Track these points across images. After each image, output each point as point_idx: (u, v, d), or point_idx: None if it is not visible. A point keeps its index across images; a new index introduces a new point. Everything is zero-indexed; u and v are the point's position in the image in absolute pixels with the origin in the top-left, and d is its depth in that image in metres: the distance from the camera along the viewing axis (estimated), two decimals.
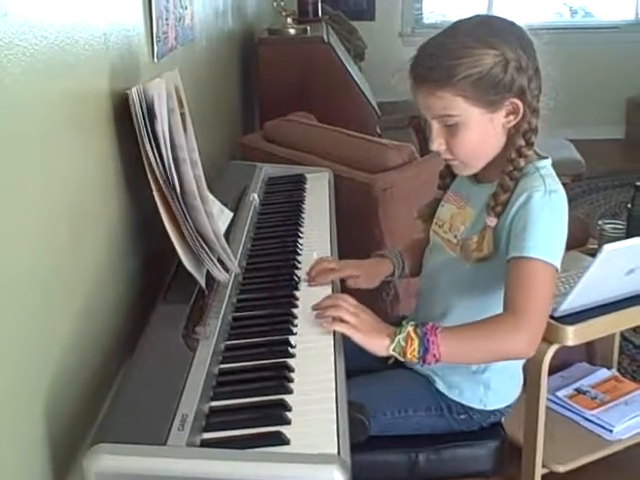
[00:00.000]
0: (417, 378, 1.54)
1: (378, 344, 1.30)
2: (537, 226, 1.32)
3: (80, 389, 1.21)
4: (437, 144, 1.40)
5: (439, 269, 1.53)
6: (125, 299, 1.46)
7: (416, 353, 1.28)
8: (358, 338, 1.29)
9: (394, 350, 1.29)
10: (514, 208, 1.36)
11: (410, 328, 1.30)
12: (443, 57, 1.33)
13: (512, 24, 1.39)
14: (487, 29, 1.36)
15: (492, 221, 1.38)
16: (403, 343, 1.29)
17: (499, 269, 1.36)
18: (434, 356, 1.28)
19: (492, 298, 1.40)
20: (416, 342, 1.28)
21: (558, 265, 1.33)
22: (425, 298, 1.58)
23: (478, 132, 1.37)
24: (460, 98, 1.33)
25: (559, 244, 1.35)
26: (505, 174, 1.38)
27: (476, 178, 1.50)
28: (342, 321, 1.30)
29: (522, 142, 1.37)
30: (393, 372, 1.57)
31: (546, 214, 1.33)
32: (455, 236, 1.48)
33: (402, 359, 1.31)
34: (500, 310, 1.34)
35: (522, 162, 1.37)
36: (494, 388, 1.51)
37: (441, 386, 1.52)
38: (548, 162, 1.42)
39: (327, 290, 1.49)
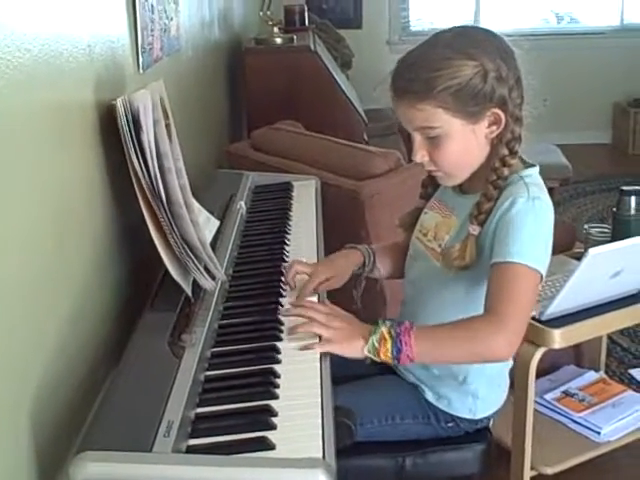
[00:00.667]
0: (405, 386, 1.55)
1: (354, 348, 1.30)
2: (521, 231, 1.32)
3: (66, 396, 1.21)
4: (420, 156, 1.40)
5: (423, 278, 1.53)
6: (111, 307, 1.46)
7: (389, 354, 1.28)
8: (333, 349, 1.29)
9: (368, 351, 1.29)
10: (497, 214, 1.36)
11: (384, 329, 1.29)
12: (422, 69, 1.34)
13: (492, 34, 1.39)
14: (466, 40, 1.36)
15: (475, 229, 1.38)
16: (377, 344, 1.29)
17: (483, 277, 1.37)
18: (407, 357, 1.28)
19: (476, 306, 1.39)
20: (389, 343, 1.28)
21: (543, 271, 1.33)
22: (409, 306, 1.58)
23: (461, 143, 1.37)
24: (441, 110, 1.33)
25: (543, 250, 1.34)
26: (489, 183, 1.38)
27: (461, 189, 1.50)
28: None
29: (505, 151, 1.37)
30: (381, 379, 1.58)
31: (530, 220, 1.33)
32: (439, 245, 1.48)
33: (377, 359, 1.31)
34: None
35: (506, 171, 1.37)
36: (482, 397, 1.52)
37: (430, 396, 1.52)
38: (534, 170, 1.42)
39: (313, 297, 1.50)
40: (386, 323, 1.31)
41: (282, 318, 1.39)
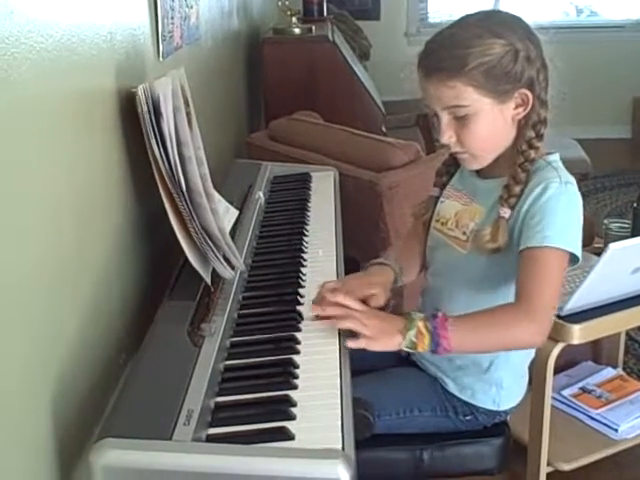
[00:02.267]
0: (424, 378, 1.54)
1: (390, 343, 1.30)
2: (555, 216, 1.32)
3: (86, 385, 1.22)
4: (447, 136, 1.39)
5: (446, 267, 1.52)
6: (131, 296, 1.47)
7: (427, 347, 1.29)
8: (373, 347, 1.29)
9: (406, 347, 1.30)
10: (529, 200, 1.35)
11: (420, 323, 1.29)
12: (454, 47, 1.34)
13: (518, 18, 1.40)
14: (495, 20, 1.37)
15: (505, 212, 1.38)
16: (414, 339, 1.29)
17: (511, 262, 1.36)
18: (445, 349, 1.29)
19: (504, 294, 1.40)
20: (427, 338, 1.29)
21: (579, 253, 1.33)
22: (432, 296, 1.56)
23: (488, 123, 1.37)
24: (471, 88, 1.33)
25: (577, 233, 1.35)
26: (517, 165, 1.38)
27: (479, 174, 1.49)
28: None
29: (532, 134, 1.37)
30: (400, 371, 1.57)
31: (563, 204, 1.33)
32: (464, 232, 1.47)
33: (414, 352, 1.33)
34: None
35: (533, 153, 1.37)
36: (506, 387, 1.51)
37: (452, 387, 1.51)
38: (557, 156, 1.42)
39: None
40: (420, 316, 1.31)
41: (301, 309, 1.39)
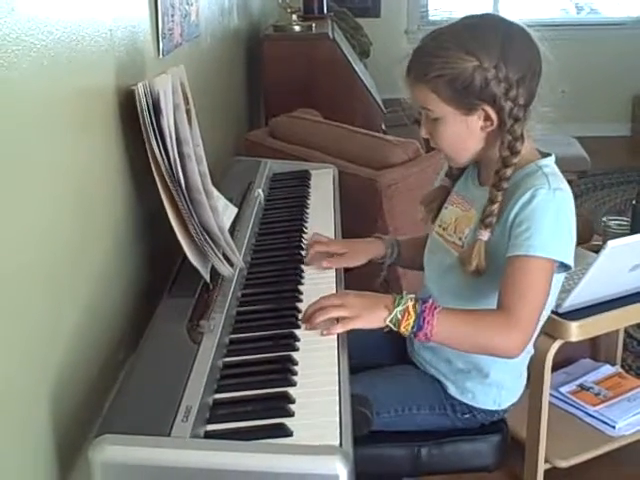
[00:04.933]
0: (423, 376, 1.55)
1: (374, 318, 1.31)
2: (542, 224, 1.30)
3: (85, 382, 1.22)
4: (424, 132, 1.45)
5: (442, 272, 1.52)
6: (131, 293, 1.47)
7: (410, 328, 1.29)
8: (355, 324, 1.30)
9: (390, 321, 1.30)
10: (516, 207, 1.33)
11: (410, 303, 1.30)
12: (424, 54, 1.38)
13: (505, 32, 1.36)
14: (472, 34, 1.36)
15: (483, 235, 1.37)
16: (400, 316, 1.30)
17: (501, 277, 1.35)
18: (425, 334, 1.29)
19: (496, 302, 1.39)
20: (412, 318, 1.29)
21: (569, 261, 1.33)
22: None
23: (454, 130, 1.39)
24: (434, 95, 1.37)
25: (567, 240, 1.33)
26: (492, 186, 1.37)
27: (480, 181, 1.50)
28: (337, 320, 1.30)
29: (507, 152, 1.36)
30: (399, 369, 1.58)
31: (552, 212, 1.32)
32: (460, 238, 1.47)
33: (395, 329, 1.31)
34: None
35: (508, 172, 1.36)
36: (507, 387, 1.52)
37: (453, 391, 1.51)
38: (551, 160, 1.41)
39: (331, 284, 1.50)
40: (411, 297, 1.32)
41: (300, 305, 1.39)
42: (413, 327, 1.29)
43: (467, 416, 1.52)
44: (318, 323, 1.31)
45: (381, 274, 1.59)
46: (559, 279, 1.43)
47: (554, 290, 1.42)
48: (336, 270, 1.57)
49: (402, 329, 1.30)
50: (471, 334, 1.33)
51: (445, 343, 1.38)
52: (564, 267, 1.35)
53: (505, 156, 1.36)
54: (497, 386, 1.50)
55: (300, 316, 1.36)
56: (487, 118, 1.37)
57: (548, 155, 1.42)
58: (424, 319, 1.29)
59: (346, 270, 1.59)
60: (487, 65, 1.33)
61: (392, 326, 1.31)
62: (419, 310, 1.29)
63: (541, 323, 1.42)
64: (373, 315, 1.31)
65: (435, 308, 1.30)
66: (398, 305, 1.30)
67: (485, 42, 1.34)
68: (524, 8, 5.97)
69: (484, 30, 1.37)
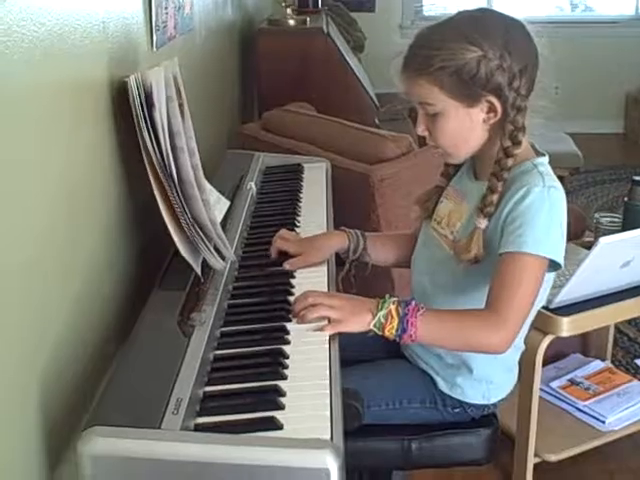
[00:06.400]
0: (413, 370, 1.55)
1: (360, 323, 1.30)
2: (535, 222, 1.31)
3: (75, 374, 1.22)
4: (421, 129, 1.42)
5: (433, 266, 1.52)
6: (121, 285, 1.47)
7: (394, 331, 1.29)
8: (342, 328, 1.30)
9: (374, 326, 1.30)
10: (510, 204, 1.34)
11: (392, 306, 1.30)
12: (425, 47, 1.36)
13: (506, 21, 1.37)
14: (474, 25, 1.35)
15: (481, 223, 1.37)
16: (383, 320, 1.30)
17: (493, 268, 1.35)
18: (410, 337, 1.29)
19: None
20: (395, 321, 1.29)
21: (559, 259, 1.33)
22: (420, 293, 1.56)
23: (456, 124, 1.38)
24: (437, 88, 1.35)
25: (558, 239, 1.34)
26: (492, 175, 1.37)
27: (475, 174, 1.50)
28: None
29: (509, 143, 1.36)
30: (390, 363, 1.58)
31: (545, 209, 1.32)
32: (452, 232, 1.47)
33: (380, 334, 1.32)
34: None
35: (510, 162, 1.36)
36: (496, 382, 1.52)
37: (442, 385, 1.52)
38: (545, 159, 1.41)
39: (322, 278, 1.50)
40: (393, 300, 1.31)
41: (291, 299, 1.39)
42: (397, 330, 1.29)
43: (457, 410, 1.53)
44: (310, 320, 1.31)
45: (344, 269, 1.57)
46: (549, 277, 1.43)
47: (544, 288, 1.42)
48: (327, 263, 1.57)
49: (386, 332, 1.30)
50: (456, 333, 1.34)
51: (433, 344, 1.39)
52: (554, 266, 1.36)
53: (507, 146, 1.36)
54: (485, 381, 1.51)
55: (291, 309, 1.36)
56: (490, 110, 1.36)
57: (542, 155, 1.42)
58: (407, 321, 1.29)
59: (337, 263, 1.59)
60: (491, 55, 1.32)
61: (376, 330, 1.30)
62: (402, 313, 1.29)
63: (530, 319, 1.42)
64: (359, 319, 1.30)
65: (418, 310, 1.30)
66: (381, 309, 1.30)
67: (488, 33, 1.34)
68: (518, 5, 5.97)
69: (485, 21, 1.38)
